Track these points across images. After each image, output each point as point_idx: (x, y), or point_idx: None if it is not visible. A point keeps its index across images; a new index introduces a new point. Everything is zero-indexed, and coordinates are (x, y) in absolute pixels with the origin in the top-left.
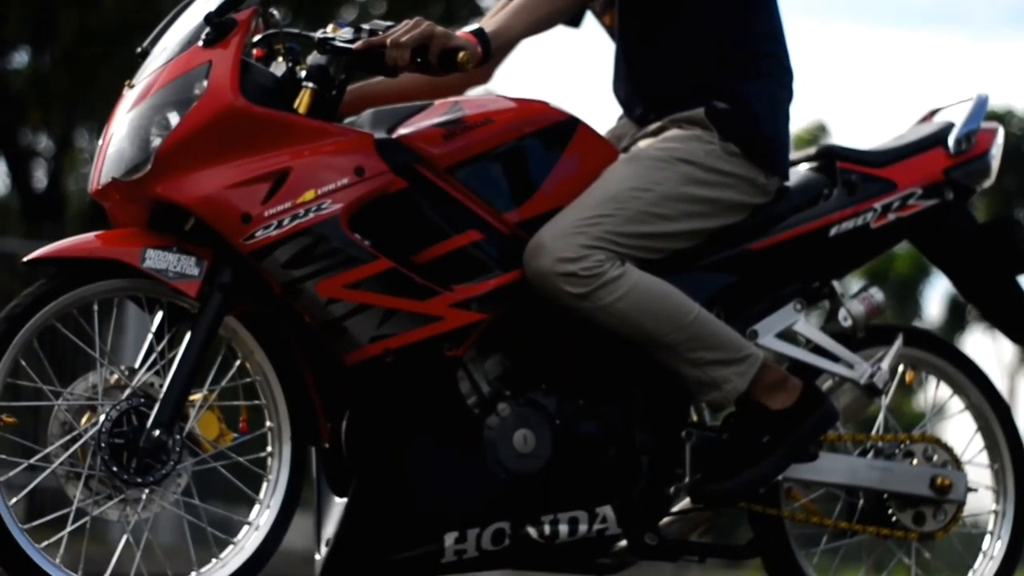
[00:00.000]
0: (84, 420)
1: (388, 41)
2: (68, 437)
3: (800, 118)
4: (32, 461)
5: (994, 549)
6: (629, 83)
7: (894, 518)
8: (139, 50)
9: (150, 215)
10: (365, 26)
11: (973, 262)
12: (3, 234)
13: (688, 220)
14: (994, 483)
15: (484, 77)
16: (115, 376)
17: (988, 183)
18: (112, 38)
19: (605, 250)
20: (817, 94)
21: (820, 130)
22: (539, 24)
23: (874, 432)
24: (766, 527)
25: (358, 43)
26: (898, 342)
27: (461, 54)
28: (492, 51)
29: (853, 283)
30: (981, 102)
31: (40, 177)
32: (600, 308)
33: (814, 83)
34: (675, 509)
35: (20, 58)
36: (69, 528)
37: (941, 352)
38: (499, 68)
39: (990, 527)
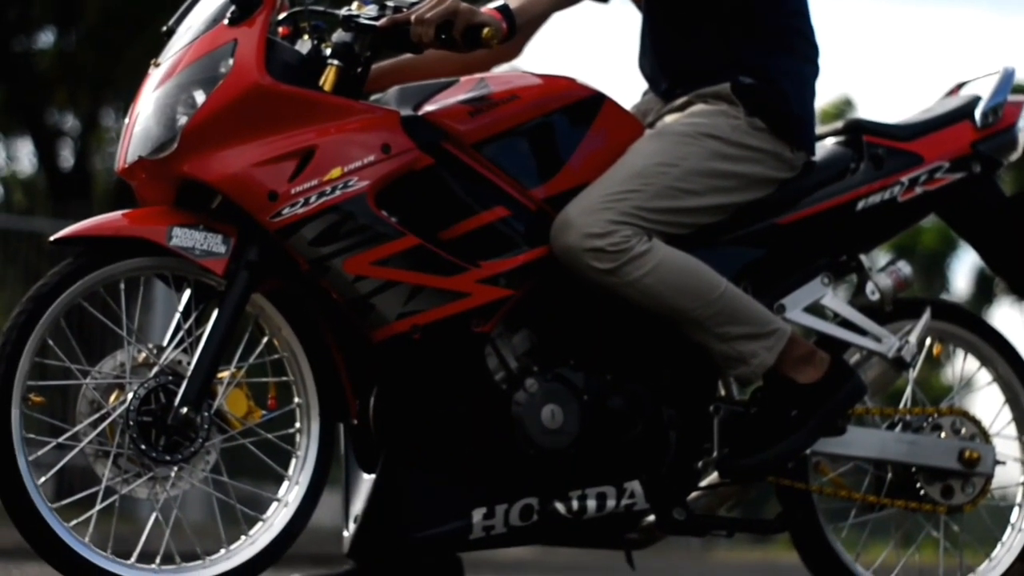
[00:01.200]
0: (112, 398)
1: (412, 18)
2: (96, 415)
3: (826, 92)
4: (61, 440)
5: (1023, 522)
6: (656, 58)
7: (922, 491)
8: (165, 29)
9: (177, 194)
10: (389, 3)
11: (1001, 235)
12: (31, 214)
13: (714, 195)
14: (1023, 455)
15: (513, 54)
16: (143, 354)
17: (1016, 156)
18: (138, 17)
19: (632, 225)
20: (843, 68)
21: (846, 104)
22: (565, 0)
23: (902, 406)
24: (794, 502)
25: (382, 20)
26: (926, 315)
27: (486, 30)
28: (517, 27)
29: (880, 257)
30: (1008, 75)
31: (67, 156)
32: (627, 283)
33: (839, 56)
34: (703, 484)
35: (46, 38)
36: (98, 507)
37: (969, 325)
38: (527, 44)
39: (1019, 499)
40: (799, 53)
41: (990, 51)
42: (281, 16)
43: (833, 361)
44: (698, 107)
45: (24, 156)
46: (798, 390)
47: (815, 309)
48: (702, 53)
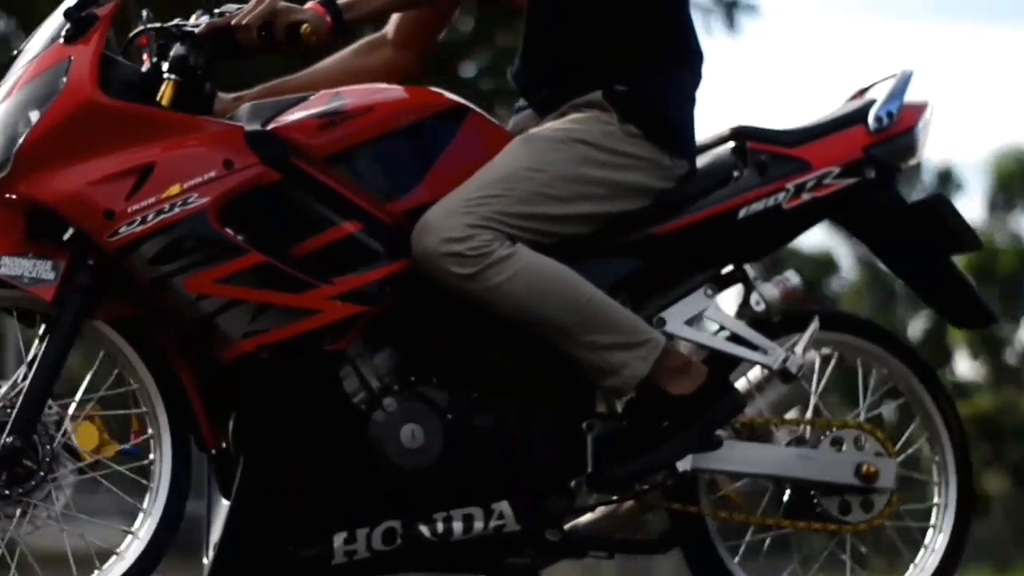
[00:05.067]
0: None
1: (232, 23)
2: None
3: (997, 140)
4: None
5: (936, 542)
6: (533, 68)
7: (819, 509)
8: (15, 52)
9: (28, 221)
10: (217, 10)
11: (904, 242)
12: None
13: (585, 202)
14: (936, 475)
15: (412, 67)
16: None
17: (913, 161)
18: None
19: (493, 230)
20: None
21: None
22: None
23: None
24: (684, 520)
25: (200, 28)
26: (813, 325)
27: (303, 27)
28: (349, 21)
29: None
30: (905, 77)
31: None
32: (488, 289)
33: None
34: (597, 505)
35: None
36: None
37: (870, 336)
38: (423, 53)
39: (932, 520)
40: (678, 60)
41: None
42: (132, 34)
43: (710, 373)
44: (572, 115)
45: None
46: (671, 401)
47: (700, 321)
48: (576, 62)
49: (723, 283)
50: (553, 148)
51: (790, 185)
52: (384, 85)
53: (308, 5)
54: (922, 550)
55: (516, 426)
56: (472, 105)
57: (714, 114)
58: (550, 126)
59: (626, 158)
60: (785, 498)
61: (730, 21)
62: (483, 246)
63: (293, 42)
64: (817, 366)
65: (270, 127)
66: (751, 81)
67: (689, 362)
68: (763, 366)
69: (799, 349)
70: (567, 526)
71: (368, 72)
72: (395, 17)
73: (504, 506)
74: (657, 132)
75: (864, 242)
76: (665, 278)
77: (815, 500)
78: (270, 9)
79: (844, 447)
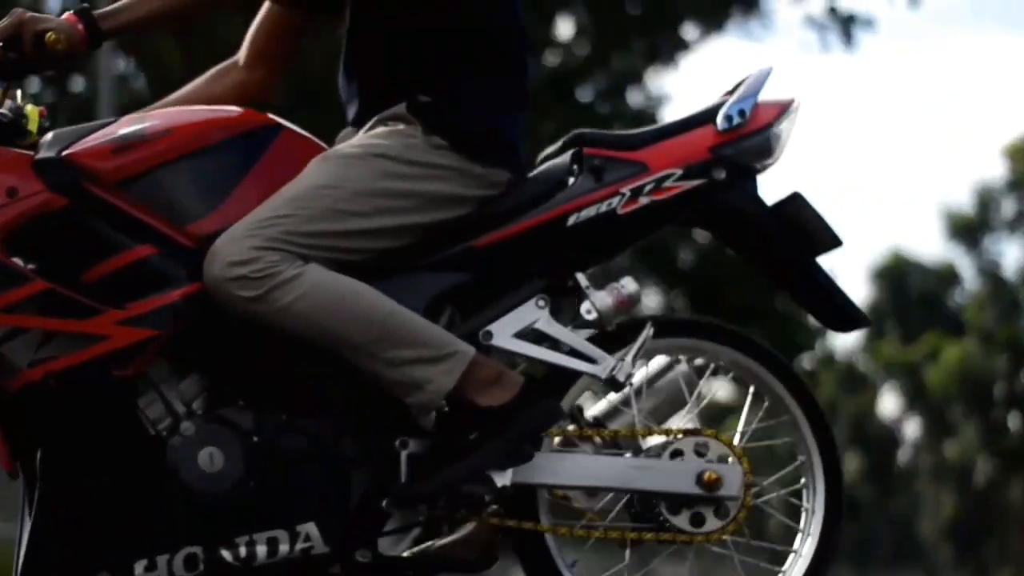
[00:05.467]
0: None
1: None
2: None
3: None
4: None
5: (804, 547)
6: (349, 82)
7: (667, 521)
8: None
9: None
10: None
11: (766, 245)
12: None
13: (387, 216)
14: (803, 478)
15: (269, 91)
16: None
17: (770, 160)
18: None
19: (280, 251)
20: None
21: None
22: (174, 8)
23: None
24: (523, 537)
25: None
26: (645, 332)
27: (48, 35)
28: (104, 32)
29: None
30: (763, 74)
31: None
32: (277, 311)
33: None
34: (411, 525)
35: None
36: None
37: (719, 339)
38: (280, 74)
39: (802, 524)
40: (496, 67)
41: None
42: None
43: (525, 383)
44: (376, 129)
45: None
46: (481, 413)
47: (534, 333)
48: (383, 74)
49: (558, 293)
50: (349, 164)
51: (625, 189)
52: (199, 107)
53: (66, 16)
54: (791, 555)
55: (324, 447)
56: (286, 123)
57: (833, 130)
58: (351, 142)
59: (430, 168)
60: (632, 510)
61: (847, 37)
62: (268, 267)
63: (41, 52)
64: (644, 375)
65: (65, 153)
66: (869, 97)
67: (501, 373)
68: (591, 376)
69: (628, 358)
70: (412, 551)
71: (219, 98)
72: (247, 39)
73: (311, 528)
74: (464, 141)
75: (729, 245)
76: (494, 290)
77: (658, 511)
78: (17, 20)
79: (685, 456)
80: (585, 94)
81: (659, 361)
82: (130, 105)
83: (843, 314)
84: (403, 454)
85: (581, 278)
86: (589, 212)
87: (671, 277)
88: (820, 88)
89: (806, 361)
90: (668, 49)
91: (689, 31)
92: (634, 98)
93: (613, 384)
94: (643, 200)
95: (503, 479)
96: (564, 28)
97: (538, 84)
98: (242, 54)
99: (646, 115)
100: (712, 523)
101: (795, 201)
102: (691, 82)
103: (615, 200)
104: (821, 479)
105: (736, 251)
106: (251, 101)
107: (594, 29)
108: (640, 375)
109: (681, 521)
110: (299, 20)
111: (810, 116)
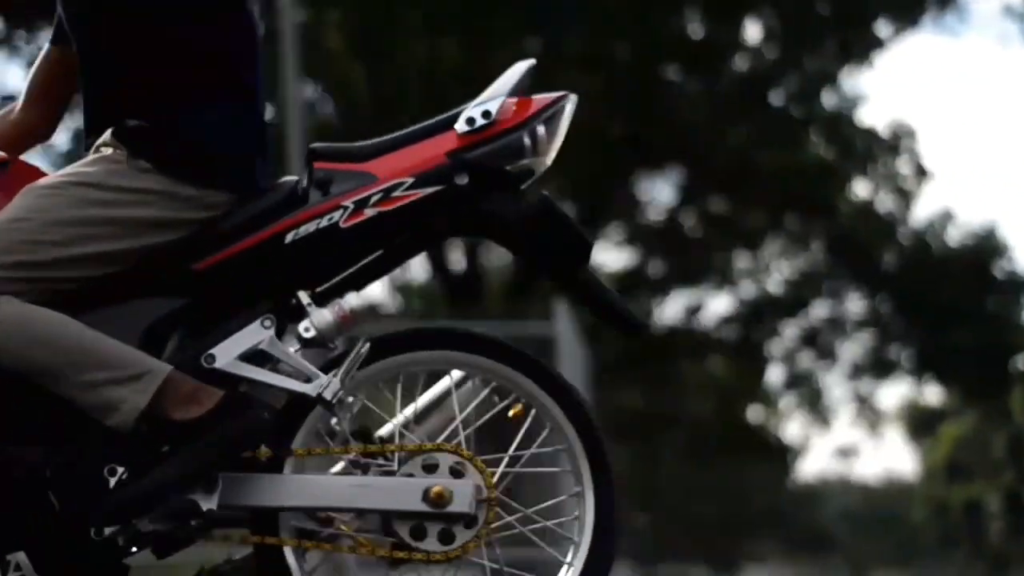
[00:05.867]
0: None
1: None
2: None
3: None
4: None
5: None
6: (85, 116)
7: (405, 540)
8: None
9: None
10: None
11: (532, 251)
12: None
13: (90, 243)
14: (573, 483)
15: (44, 130)
16: None
17: (528, 161)
18: None
19: None
20: None
21: None
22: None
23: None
24: (267, 554)
25: None
26: (356, 350)
27: None
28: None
29: None
30: (514, 72)
31: (458, 259)
32: None
33: None
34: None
35: None
36: None
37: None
38: (55, 113)
39: (574, 533)
40: (223, 94)
41: None
42: None
43: (224, 398)
44: (87, 157)
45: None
46: (174, 428)
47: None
48: (104, 103)
49: (284, 313)
50: (46, 196)
51: (347, 202)
52: None
53: None
54: (565, 567)
55: (32, 475)
56: (18, 159)
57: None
58: (56, 173)
59: (135, 194)
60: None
61: None
62: None
63: None
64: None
65: None
66: None
67: (199, 388)
68: (303, 395)
69: (337, 377)
70: None
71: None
72: (27, 79)
73: (21, 557)
74: (171, 163)
75: (514, 253)
76: (219, 312)
77: (392, 529)
78: None
79: (413, 472)
80: (777, 98)
81: (447, 380)
82: (318, 132)
83: (618, 319)
84: (111, 480)
85: (303, 296)
86: (309, 228)
87: (876, 280)
88: (1022, 82)
89: (1020, 363)
90: (861, 48)
91: (882, 28)
92: (828, 100)
93: (323, 403)
94: (368, 212)
95: (209, 503)
96: (752, 31)
97: (727, 89)
98: (22, 94)
99: (842, 116)
100: (464, 537)
101: (541, 208)
102: (887, 81)
103: (336, 214)
104: (591, 514)
105: (514, 255)
106: (28, 139)
107: (783, 31)
108: (431, 392)
109: (422, 540)
110: (75, 60)
111: (1012, 112)
